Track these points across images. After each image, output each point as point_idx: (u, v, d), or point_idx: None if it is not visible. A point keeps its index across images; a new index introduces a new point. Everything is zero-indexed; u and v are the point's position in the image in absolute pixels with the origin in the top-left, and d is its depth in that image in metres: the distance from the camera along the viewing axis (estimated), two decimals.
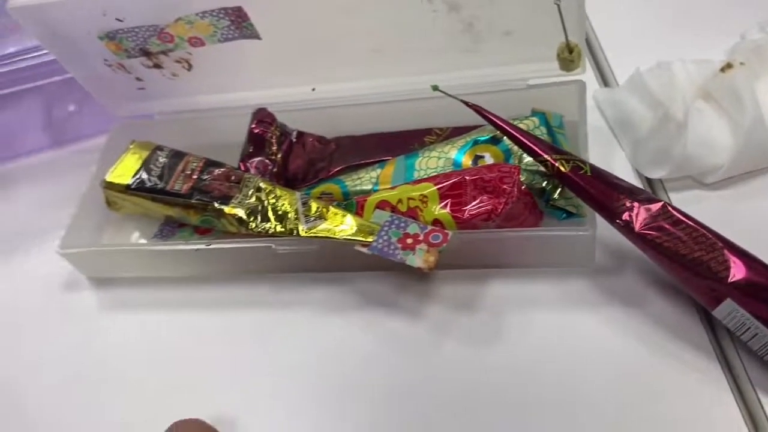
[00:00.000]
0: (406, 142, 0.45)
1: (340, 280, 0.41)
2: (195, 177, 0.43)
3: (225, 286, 0.43)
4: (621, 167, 0.43)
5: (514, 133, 0.37)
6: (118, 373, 0.41)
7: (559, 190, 0.39)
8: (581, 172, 0.36)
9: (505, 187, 0.37)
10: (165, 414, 0.34)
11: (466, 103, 0.38)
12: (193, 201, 0.42)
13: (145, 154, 0.45)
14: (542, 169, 0.39)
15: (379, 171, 0.42)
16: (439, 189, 0.38)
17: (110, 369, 0.41)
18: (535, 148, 0.37)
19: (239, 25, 0.43)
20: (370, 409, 0.36)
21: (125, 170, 0.44)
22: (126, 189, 0.44)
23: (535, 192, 0.39)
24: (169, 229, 0.46)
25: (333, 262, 0.41)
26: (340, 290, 0.41)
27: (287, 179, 0.45)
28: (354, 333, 0.39)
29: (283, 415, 0.37)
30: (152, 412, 0.34)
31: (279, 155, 0.45)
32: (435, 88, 0.39)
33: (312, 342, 0.39)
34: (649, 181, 0.42)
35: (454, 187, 0.38)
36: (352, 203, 0.41)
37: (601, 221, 0.36)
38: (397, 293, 0.40)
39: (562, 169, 0.36)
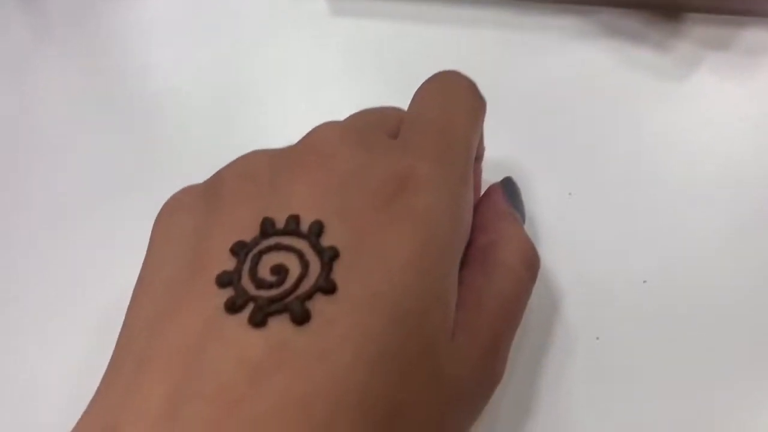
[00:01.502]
0: None
1: (587, 12, 0.41)
2: None
3: (465, 7, 0.44)
4: None
5: None
6: (340, 75, 0.42)
7: None
8: None
9: None
10: None
11: None
12: None
13: None
14: None
15: None
16: None
17: (335, 70, 0.43)
18: None
19: None
20: (606, 123, 0.37)
21: None
22: None
23: None
24: None
25: None
26: (586, 20, 0.41)
27: None
28: (599, 59, 0.39)
29: (506, 136, 0.38)
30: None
31: None
32: None
33: (553, 65, 0.40)
34: None
35: None
36: None
37: None
38: (645, 27, 0.40)
39: None
